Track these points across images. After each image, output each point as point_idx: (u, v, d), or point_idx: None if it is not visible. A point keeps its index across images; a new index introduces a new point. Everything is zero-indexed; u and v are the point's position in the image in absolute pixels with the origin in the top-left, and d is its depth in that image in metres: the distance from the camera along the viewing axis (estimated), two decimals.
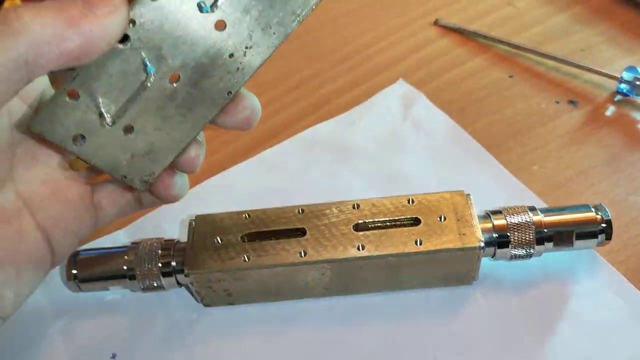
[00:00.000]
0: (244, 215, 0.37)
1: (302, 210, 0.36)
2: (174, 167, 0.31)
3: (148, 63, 0.27)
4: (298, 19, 0.28)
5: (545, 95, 0.48)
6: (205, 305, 0.38)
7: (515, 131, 0.46)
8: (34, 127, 0.27)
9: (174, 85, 0.28)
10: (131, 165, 0.30)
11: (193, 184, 0.44)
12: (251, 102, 0.31)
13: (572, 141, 0.45)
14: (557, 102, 0.48)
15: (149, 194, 0.32)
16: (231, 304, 0.38)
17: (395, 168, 0.44)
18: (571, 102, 0.47)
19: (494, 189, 0.42)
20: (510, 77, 0.50)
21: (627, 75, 0.46)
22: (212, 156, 0.46)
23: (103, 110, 0.28)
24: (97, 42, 0.24)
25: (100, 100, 0.27)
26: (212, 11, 0.27)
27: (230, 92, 0.29)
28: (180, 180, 0.32)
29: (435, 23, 0.56)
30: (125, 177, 0.30)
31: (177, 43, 0.27)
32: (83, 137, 0.28)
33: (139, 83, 0.27)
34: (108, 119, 0.28)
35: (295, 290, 0.37)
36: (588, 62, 0.49)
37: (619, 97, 0.47)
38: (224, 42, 0.27)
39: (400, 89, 0.50)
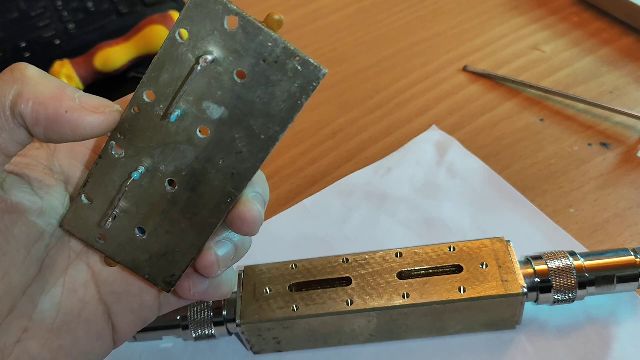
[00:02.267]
0: (290, 266, 0.38)
1: (347, 260, 0.38)
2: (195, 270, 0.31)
3: (138, 172, 0.28)
4: (283, 124, 0.26)
5: (577, 138, 0.49)
6: (255, 353, 0.39)
7: (550, 174, 0.47)
8: (63, 225, 0.29)
9: (174, 189, 0.28)
10: (151, 266, 0.30)
11: None
12: (249, 209, 0.28)
13: (607, 183, 0.46)
14: (590, 145, 0.49)
15: None
16: (280, 351, 0.39)
17: (432, 214, 0.45)
18: (603, 144, 0.48)
19: (531, 233, 0.43)
20: (542, 120, 0.51)
21: None
22: None
23: (116, 213, 0.29)
24: (65, 118, 0.25)
25: (109, 204, 0.29)
26: (167, 120, 0.27)
27: (231, 199, 0.28)
28: (207, 284, 0.31)
29: (464, 69, 0.57)
30: (148, 276, 0.30)
31: (166, 150, 0.27)
32: (105, 237, 0.29)
33: (138, 188, 0.29)
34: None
35: (341, 337, 0.38)
36: (617, 104, 0.50)
37: None
38: (211, 150, 0.27)
39: (433, 135, 0.51)
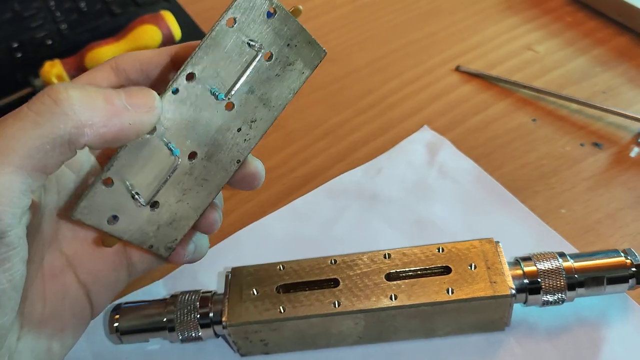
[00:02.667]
0: (278, 267, 0.38)
1: (335, 261, 0.38)
2: (191, 233, 0.34)
3: (173, 147, 0.30)
4: (293, 92, 0.32)
5: (569, 139, 0.49)
6: (242, 355, 0.39)
7: (541, 175, 0.46)
8: (75, 216, 0.29)
9: (192, 161, 0.31)
10: (157, 236, 0.32)
11: (227, 234, 0.46)
12: (256, 167, 0.34)
13: (599, 184, 0.45)
14: (582, 145, 0.48)
15: None
16: (267, 353, 0.39)
17: (422, 215, 0.45)
18: (595, 144, 0.48)
19: (522, 234, 0.43)
20: (534, 121, 0.51)
21: None
22: (244, 206, 0.48)
23: (134, 193, 0.30)
24: (130, 133, 0.27)
25: (133, 183, 0.29)
26: (227, 98, 0.30)
27: (240, 160, 0.32)
28: (194, 248, 0.35)
29: (457, 69, 0.57)
30: (152, 246, 0.32)
31: (194, 126, 0.30)
32: (115, 217, 0.30)
33: (167, 165, 0.30)
34: (142, 200, 0.30)
35: (329, 339, 0.38)
36: (610, 104, 0.50)
37: None
38: (233, 120, 0.31)
39: (425, 135, 0.51)
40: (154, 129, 0.29)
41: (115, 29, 0.61)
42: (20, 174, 0.24)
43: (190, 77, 0.29)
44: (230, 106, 0.30)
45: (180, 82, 0.29)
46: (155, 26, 0.59)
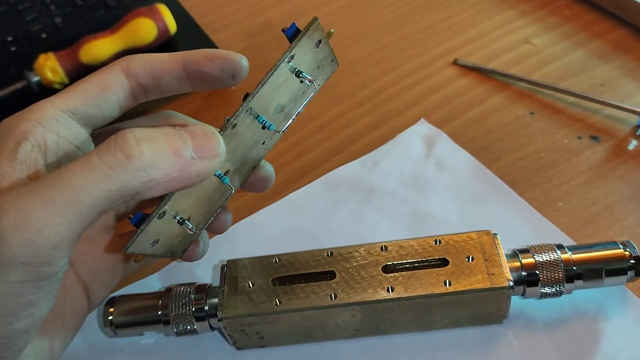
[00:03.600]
0: (274, 260, 0.38)
1: (331, 253, 0.37)
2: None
3: (224, 175, 0.30)
4: (307, 102, 0.34)
5: (567, 131, 0.49)
6: (238, 348, 0.38)
7: (539, 168, 0.46)
8: (129, 250, 0.29)
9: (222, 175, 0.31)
10: (178, 244, 0.33)
11: None
12: (267, 171, 0.36)
13: (596, 176, 0.45)
14: (579, 138, 0.48)
15: None
16: (263, 346, 0.38)
17: (420, 207, 0.45)
18: (593, 137, 0.48)
19: (519, 227, 0.42)
20: (531, 114, 0.51)
21: None
22: (241, 199, 0.48)
23: (180, 219, 0.30)
24: (195, 182, 0.27)
25: (178, 211, 0.30)
26: (277, 130, 0.32)
27: (254, 167, 0.35)
28: (202, 246, 0.36)
29: (454, 62, 0.57)
30: (173, 253, 0.33)
31: (236, 151, 0.31)
32: (157, 240, 0.30)
33: (215, 191, 0.31)
34: (190, 226, 0.30)
35: (325, 332, 0.37)
36: (608, 97, 0.50)
37: None
38: (264, 137, 0.33)
39: (422, 128, 0.51)
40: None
41: (110, 22, 0.60)
42: (83, 222, 0.25)
43: (248, 111, 0.30)
44: (264, 127, 0.32)
45: (240, 117, 0.30)
46: (150, 19, 0.58)
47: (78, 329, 0.34)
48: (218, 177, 0.30)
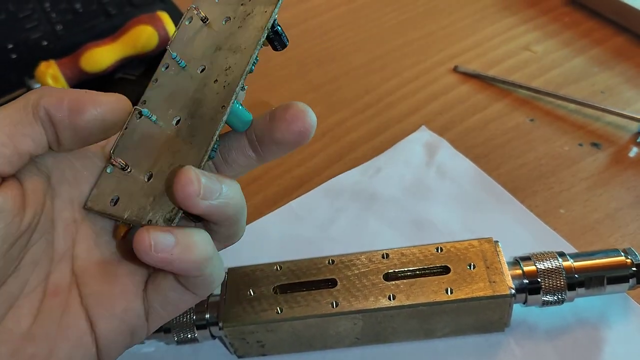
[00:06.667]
0: (275, 267, 0.37)
1: (333, 261, 0.37)
2: None
3: (156, 120, 0.31)
4: (261, 29, 0.30)
5: (567, 138, 0.49)
6: (239, 356, 0.38)
7: (540, 175, 0.46)
8: (87, 205, 0.30)
9: (178, 126, 0.30)
10: (154, 208, 0.30)
11: None
12: (293, 105, 0.29)
13: (597, 184, 0.45)
14: (580, 145, 0.48)
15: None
16: (264, 354, 0.38)
17: (421, 215, 0.45)
18: (594, 144, 0.48)
19: (521, 234, 0.42)
20: (532, 121, 0.51)
21: None
22: None
23: (129, 170, 0.30)
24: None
25: (129, 163, 0.30)
26: (197, 70, 0.31)
27: (224, 106, 0.30)
28: (168, 238, 0.29)
29: (455, 69, 0.57)
30: (150, 221, 0.29)
31: (174, 95, 0.31)
32: (117, 198, 0.30)
33: (157, 137, 0.31)
34: (135, 174, 0.30)
35: (327, 340, 0.37)
36: (608, 104, 0.50)
37: None
38: (207, 77, 0.31)
39: (423, 135, 0.51)
40: (140, 114, 0.30)
41: (111, 30, 0.61)
42: None
43: (166, 66, 0.32)
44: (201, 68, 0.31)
45: (159, 72, 0.32)
46: (151, 27, 0.58)
47: None
48: (154, 122, 0.30)
